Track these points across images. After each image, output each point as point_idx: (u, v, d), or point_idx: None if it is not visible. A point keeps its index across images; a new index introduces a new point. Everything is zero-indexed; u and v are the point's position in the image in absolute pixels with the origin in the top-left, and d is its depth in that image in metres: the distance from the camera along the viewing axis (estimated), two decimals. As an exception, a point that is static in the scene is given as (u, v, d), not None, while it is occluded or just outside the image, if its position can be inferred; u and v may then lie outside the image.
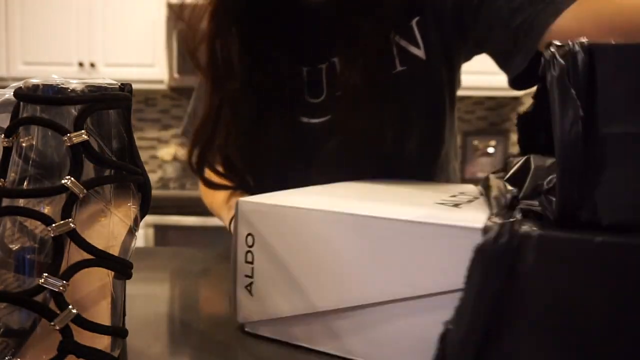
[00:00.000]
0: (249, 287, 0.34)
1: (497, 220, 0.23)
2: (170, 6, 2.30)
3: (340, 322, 0.30)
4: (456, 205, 0.33)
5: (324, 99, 0.65)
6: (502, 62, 0.59)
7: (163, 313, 0.42)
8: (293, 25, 0.66)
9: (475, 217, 0.26)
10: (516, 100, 2.72)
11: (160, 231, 2.16)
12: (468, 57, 0.68)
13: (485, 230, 0.23)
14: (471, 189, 0.46)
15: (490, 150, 2.82)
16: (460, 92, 0.78)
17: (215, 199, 0.72)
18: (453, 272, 0.24)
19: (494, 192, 0.30)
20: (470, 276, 0.23)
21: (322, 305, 0.31)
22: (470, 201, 0.35)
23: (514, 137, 2.77)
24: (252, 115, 0.64)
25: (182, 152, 2.69)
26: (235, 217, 0.35)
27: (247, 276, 0.34)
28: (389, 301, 0.28)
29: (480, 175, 2.90)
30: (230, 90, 0.62)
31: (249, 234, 0.34)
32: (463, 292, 0.23)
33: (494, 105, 2.95)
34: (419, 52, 0.62)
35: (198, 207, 2.15)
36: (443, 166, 0.71)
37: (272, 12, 0.64)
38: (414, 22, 0.62)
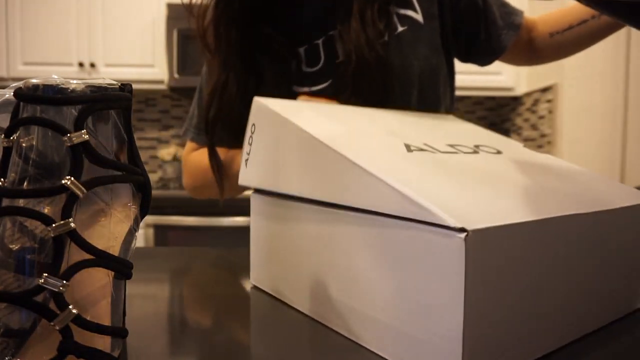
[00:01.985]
0: (246, 161, 0.47)
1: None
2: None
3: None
4: (421, 149, 0.39)
5: (322, 67, 0.69)
6: (478, 53, 0.78)
7: (163, 313, 0.42)
8: (291, 7, 0.71)
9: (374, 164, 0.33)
10: (516, 100, 2.72)
11: (160, 231, 2.16)
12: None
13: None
14: (497, 142, 0.51)
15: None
16: (460, 92, 0.80)
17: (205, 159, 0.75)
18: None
19: None
20: None
21: (285, 188, 0.41)
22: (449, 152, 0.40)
23: (514, 137, 2.77)
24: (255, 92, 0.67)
25: (182, 152, 2.69)
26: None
27: (247, 153, 0.47)
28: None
29: (480, 175, 2.89)
30: (234, 70, 0.68)
31: (253, 124, 0.46)
32: None
33: (494, 105, 2.95)
34: (417, 16, 0.70)
35: (198, 207, 2.16)
36: None
37: None
38: None
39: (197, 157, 0.79)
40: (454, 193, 0.31)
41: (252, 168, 0.46)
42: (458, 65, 0.80)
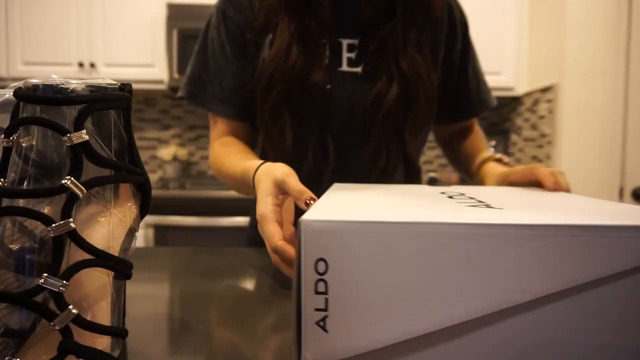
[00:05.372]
0: (321, 323, 0.29)
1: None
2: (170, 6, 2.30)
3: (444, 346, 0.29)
4: (488, 205, 0.34)
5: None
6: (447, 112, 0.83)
7: (163, 313, 0.42)
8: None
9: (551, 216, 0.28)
10: (516, 100, 2.72)
11: (160, 231, 2.16)
12: None
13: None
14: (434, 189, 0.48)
15: (491, 150, 2.82)
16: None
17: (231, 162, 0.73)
18: (565, 272, 0.27)
19: None
20: None
21: (428, 327, 0.28)
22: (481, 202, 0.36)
23: (514, 137, 2.77)
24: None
25: (182, 152, 2.69)
26: (297, 241, 0.29)
27: (318, 310, 0.29)
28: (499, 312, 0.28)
29: (480, 175, 2.89)
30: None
31: (319, 259, 0.29)
32: None
33: (494, 105, 2.95)
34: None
35: (198, 207, 2.16)
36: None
37: None
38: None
39: (220, 158, 0.74)
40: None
41: (343, 328, 0.29)
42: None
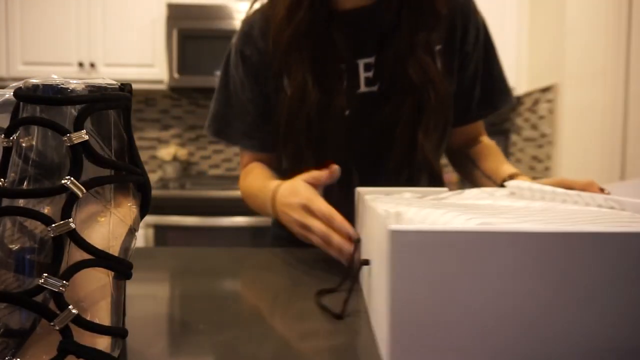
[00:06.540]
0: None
1: None
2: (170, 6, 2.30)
3: None
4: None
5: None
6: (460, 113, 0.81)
7: (163, 313, 0.42)
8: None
9: None
10: (516, 100, 2.72)
11: (160, 231, 2.16)
12: None
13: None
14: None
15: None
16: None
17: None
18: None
19: None
20: None
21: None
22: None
23: (514, 137, 2.77)
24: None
25: (182, 152, 2.69)
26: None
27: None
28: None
29: (480, 175, 2.89)
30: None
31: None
32: None
33: (494, 105, 2.94)
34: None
35: (198, 207, 2.16)
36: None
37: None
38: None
39: (244, 182, 0.78)
40: None
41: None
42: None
